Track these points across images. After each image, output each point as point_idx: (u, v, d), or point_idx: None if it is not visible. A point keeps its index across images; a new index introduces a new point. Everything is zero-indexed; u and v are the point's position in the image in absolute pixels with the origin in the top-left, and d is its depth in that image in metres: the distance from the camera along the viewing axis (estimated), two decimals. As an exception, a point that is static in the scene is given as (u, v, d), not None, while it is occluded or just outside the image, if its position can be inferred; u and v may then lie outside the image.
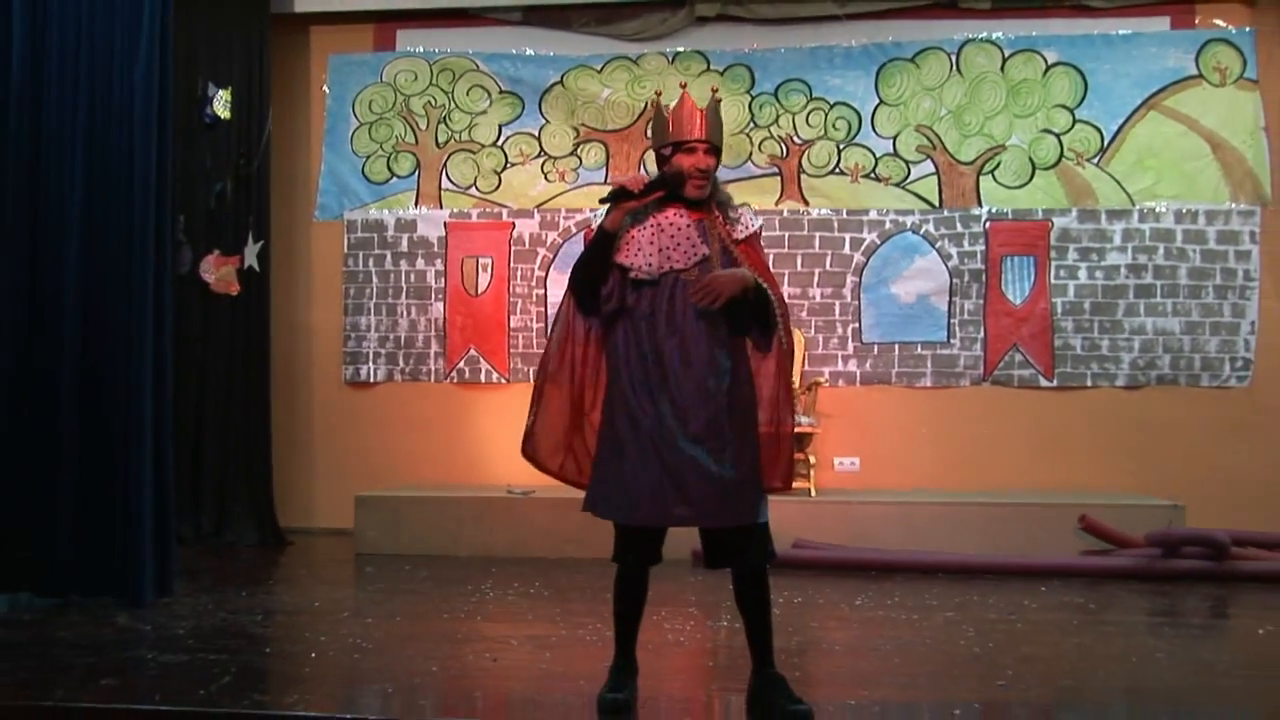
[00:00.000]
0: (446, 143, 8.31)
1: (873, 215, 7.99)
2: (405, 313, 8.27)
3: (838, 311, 7.99)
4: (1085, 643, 4.90)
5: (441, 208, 8.28)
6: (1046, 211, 7.90)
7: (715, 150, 3.81)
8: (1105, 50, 7.88)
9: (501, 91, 8.28)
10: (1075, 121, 7.90)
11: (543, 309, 8.13)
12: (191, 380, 7.70)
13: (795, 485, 7.24)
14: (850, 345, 7.97)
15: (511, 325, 8.19)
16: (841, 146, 8.05)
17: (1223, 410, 7.70)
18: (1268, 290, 7.73)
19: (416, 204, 8.30)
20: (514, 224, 8.23)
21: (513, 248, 8.22)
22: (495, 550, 7.12)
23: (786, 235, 7.96)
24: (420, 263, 8.26)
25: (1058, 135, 7.92)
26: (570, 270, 3.88)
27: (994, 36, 7.97)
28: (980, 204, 7.93)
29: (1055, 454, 7.77)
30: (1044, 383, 7.85)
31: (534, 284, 8.19)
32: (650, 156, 7.97)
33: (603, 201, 3.77)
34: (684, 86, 3.98)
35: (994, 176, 7.95)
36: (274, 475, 7.89)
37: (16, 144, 5.45)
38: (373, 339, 8.29)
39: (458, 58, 8.31)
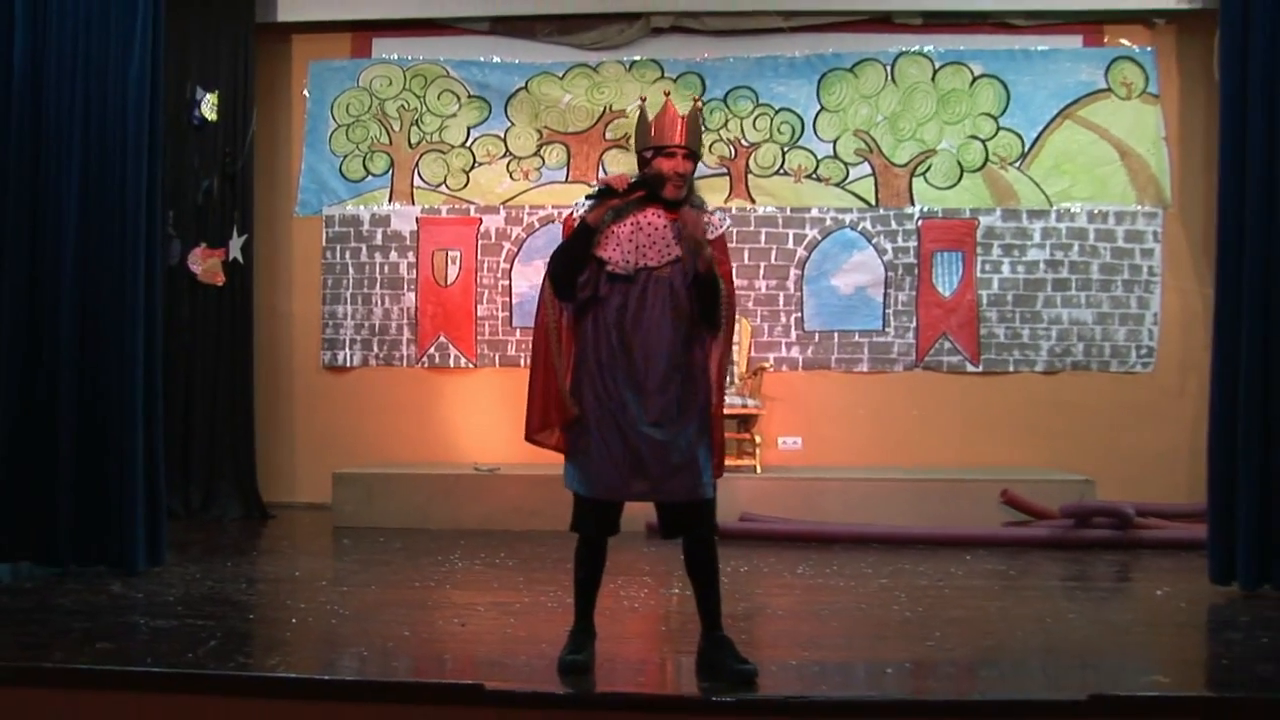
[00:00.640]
0: (418, 143, 8.26)
1: (814, 213, 8.03)
2: (380, 302, 8.22)
3: (782, 302, 8.03)
4: (1006, 605, 4.99)
5: (414, 204, 8.23)
6: (973, 211, 7.97)
7: (694, 156, 3.82)
8: (1025, 64, 7.94)
9: (470, 96, 8.24)
10: (999, 129, 7.97)
11: (508, 299, 8.12)
12: (180, 366, 7.65)
13: (742, 463, 7.31)
14: (793, 333, 8.01)
15: (479, 314, 8.16)
16: (786, 149, 8.08)
17: (1129, 393, 7.81)
18: (1169, 285, 7.85)
19: (390, 200, 8.25)
20: (481, 220, 8.21)
21: (480, 242, 8.19)
22: (463, 523, 7.11)
23: (735, 231, 7.99)
24: (394, 255, 8.22)
25: (983, 141, 7.98)
26: (550, 257, 3.87)
27: (925, 50, 8.02)
28: (913, 203, 7.99)
29: (980, 434, 7.85)
30: (970, 368, 7.93)
31: (500, 275, 8.17)
32: (609, 157, 8.09)
33: (589, 197, 3.78)
34: (667, 95, 4.00)
35: (925, 178, 8.00)
36: (257, 454, 7.83)
37: (18, 143, 5.38)
38: (349, 326, 8.24)
39: (429, 64, 8.25)
